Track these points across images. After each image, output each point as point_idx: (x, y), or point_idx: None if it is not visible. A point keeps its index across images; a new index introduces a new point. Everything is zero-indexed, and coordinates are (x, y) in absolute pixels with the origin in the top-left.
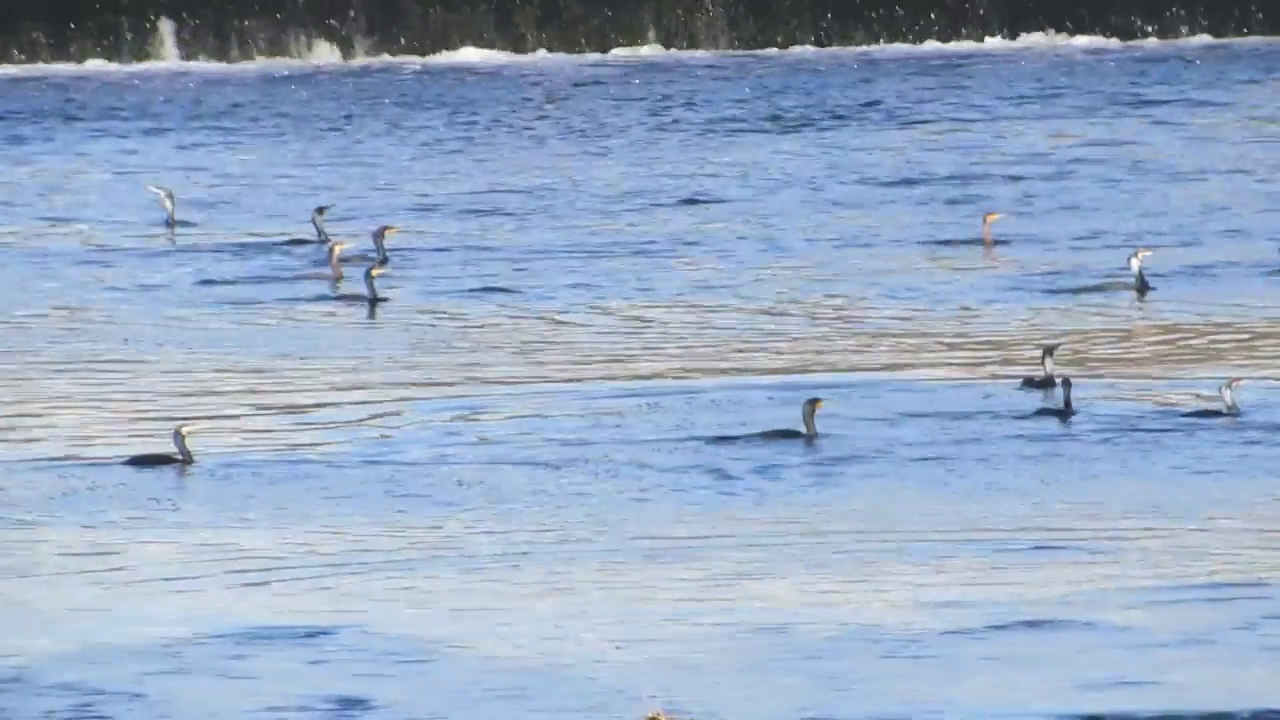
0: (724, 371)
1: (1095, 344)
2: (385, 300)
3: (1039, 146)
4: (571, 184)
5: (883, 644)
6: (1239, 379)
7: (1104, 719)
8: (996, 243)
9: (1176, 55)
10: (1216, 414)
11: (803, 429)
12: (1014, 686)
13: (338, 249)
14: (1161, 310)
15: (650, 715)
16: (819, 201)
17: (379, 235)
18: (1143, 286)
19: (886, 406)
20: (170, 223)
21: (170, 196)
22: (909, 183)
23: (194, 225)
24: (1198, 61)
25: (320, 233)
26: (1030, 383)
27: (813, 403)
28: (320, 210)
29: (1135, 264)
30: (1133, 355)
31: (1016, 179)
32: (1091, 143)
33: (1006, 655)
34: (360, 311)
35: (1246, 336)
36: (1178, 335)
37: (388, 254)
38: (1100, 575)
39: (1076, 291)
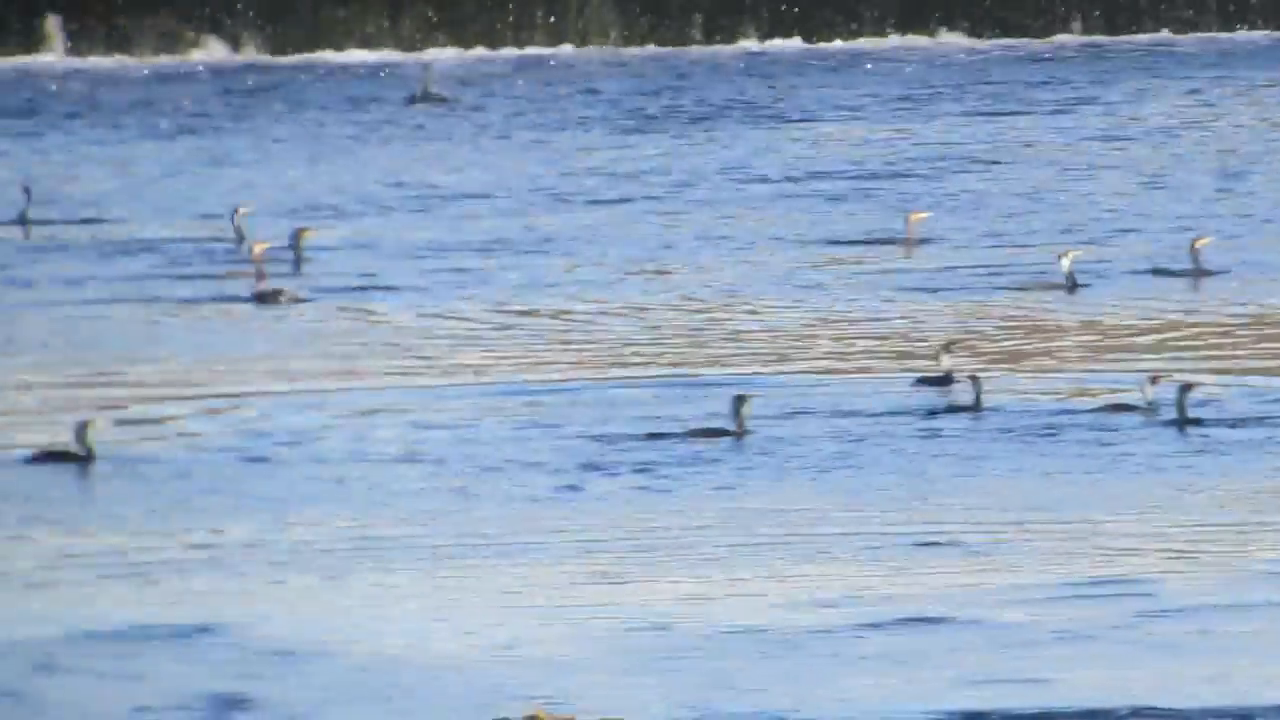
0: (618, 370)
1: (1019, 341)
2: (304, 301)
3: (934, 144)
4: (460, 181)
5: (768, 642)
6: (1159, 376)
7: (986, 716)
8: (920, 241)
9: (1058, 54)
10: (1132, 409)
11: (732, 426)
12: (898, 683)
13: (259, 249)
14: (1091, 308)
15: (531, 714)
16: (718, 200)
17: (296, 237)
18: (1073, 285)
19: (785, 405)
20: (25, 218)
21: (27, 191)
22: (809, 179)
23: (55, 223)
24: (1081, 60)
25: (239, 232)
26: (926, 381)
27: (741, 399)
28: (239, 209)
29: (1065, 263)
30: (1057, 353)
31: (916, 177)
32: (982, 140)
33: (890, 652)
34: (260, 310)
35: (1173, 334)
36: (1104, 333)
37: (305, 255)
38: (985, 573)
39: (1005, 289)
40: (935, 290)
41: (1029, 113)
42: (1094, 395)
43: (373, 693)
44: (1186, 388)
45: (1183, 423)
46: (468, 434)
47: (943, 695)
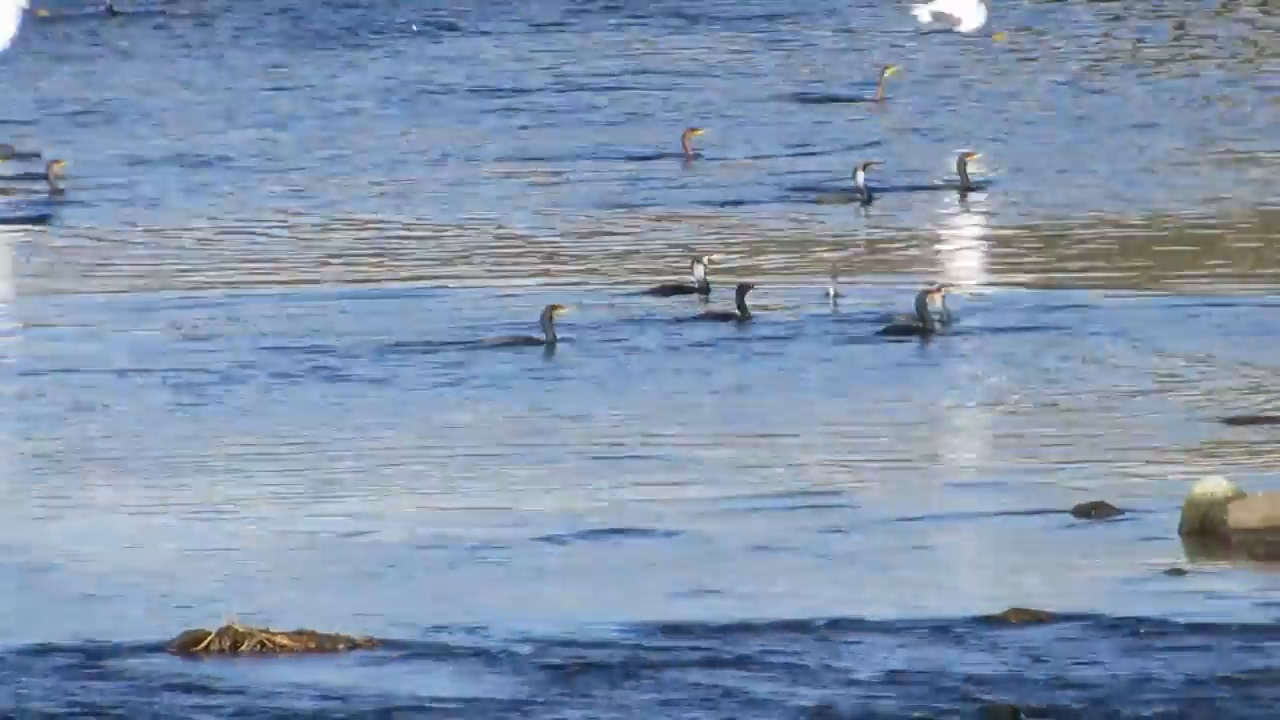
0: (324, 281)
1: (808, 252)
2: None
3: (610, 60)
4: (143, 99)
5: (470, 554)
6: (940, 288)
7: (681, 628)
8: (696, 156)
9: None
10: (915, 326)
11: (542, 335)
12: (600, 594)
13: (58, 166)
14: (885, 220)
15: (226, 625)
16: (450, 112)
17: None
18: (868, 197)
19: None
20: None
21: None
22: (529, 94)
23: None
24: None
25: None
26: (665, 290)
27: (552, 308)
28: None
29: (860, 176)
30: (848, 263)
31: (612, 91)
32: (657, 52)
33: (591, 564)
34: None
35: (955, 246)
36: (894, 244)
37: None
38: (685, 485)
39: (799, 202)
40: (721, 204)
41: (689, 30)
42: (865, 307)
43: (69, 605)
44: (927, 294)
45: (924, 330)
46: (170, 346)
47: (644, 607)
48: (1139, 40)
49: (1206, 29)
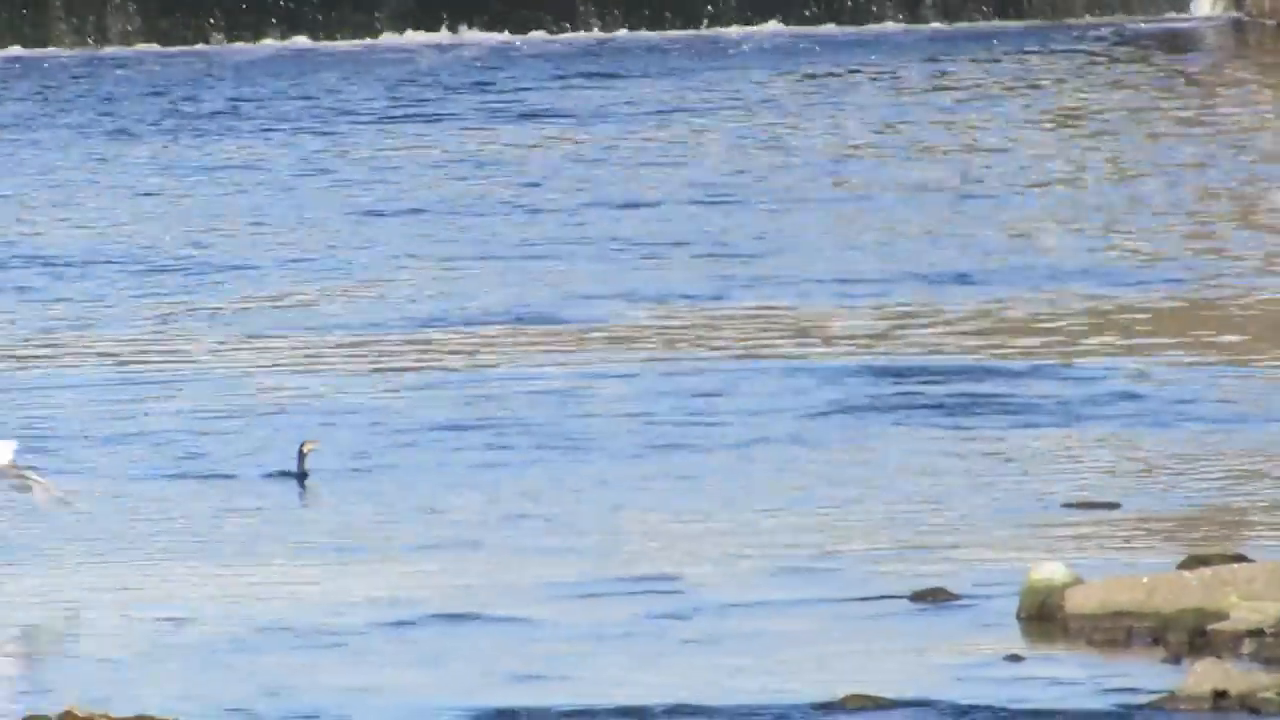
0: None
1: None
2: None
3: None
4: None
5: (301, 640)
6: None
7: (517, 713)
8: None
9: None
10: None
11: None
12: (428, 680)
13: None
14: None
15: (66, 709)
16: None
17: None
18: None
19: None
20: None
21: None
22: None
23: None
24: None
25: None
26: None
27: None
28: None
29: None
30: None
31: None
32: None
33: (422, 650)
34: None
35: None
36: None
37: None
38: (514, 570)
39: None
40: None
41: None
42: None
43: None
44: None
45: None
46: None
47: (474, 692)
48: None
49: None
